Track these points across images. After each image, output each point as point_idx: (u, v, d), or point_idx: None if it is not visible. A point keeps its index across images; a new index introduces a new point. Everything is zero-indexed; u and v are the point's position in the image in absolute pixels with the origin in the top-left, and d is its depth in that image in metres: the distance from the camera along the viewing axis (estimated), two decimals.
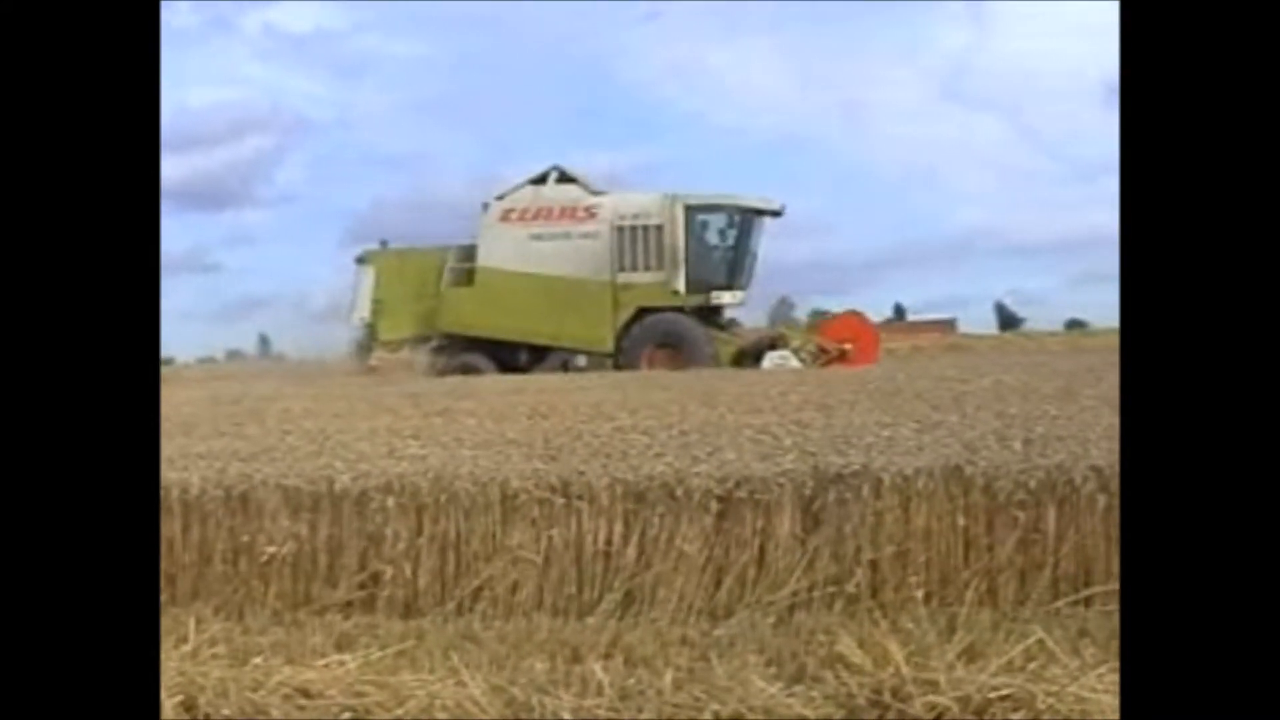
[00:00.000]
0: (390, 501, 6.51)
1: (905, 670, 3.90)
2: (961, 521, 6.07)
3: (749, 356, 25.87)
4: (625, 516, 6.29)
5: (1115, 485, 6.02)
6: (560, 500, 6.35)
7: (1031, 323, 55.87)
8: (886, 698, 3.84)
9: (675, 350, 25.39)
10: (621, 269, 26.34)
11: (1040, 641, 4.52)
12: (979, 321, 55.51)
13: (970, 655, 4.47)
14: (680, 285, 26.07)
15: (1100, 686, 3.81)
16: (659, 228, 26.32)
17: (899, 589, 5.97)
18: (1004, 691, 3.77)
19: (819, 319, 27.29)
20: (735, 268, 26.83)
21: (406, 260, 28.16)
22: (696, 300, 26.30)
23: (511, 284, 26.45)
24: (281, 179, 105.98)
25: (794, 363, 24.59)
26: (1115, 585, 5.92)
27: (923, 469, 6.17)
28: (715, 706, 3.98)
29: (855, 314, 27.50)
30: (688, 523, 6.19)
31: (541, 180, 27.29)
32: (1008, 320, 60.79)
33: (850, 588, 5.98)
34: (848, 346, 25.70)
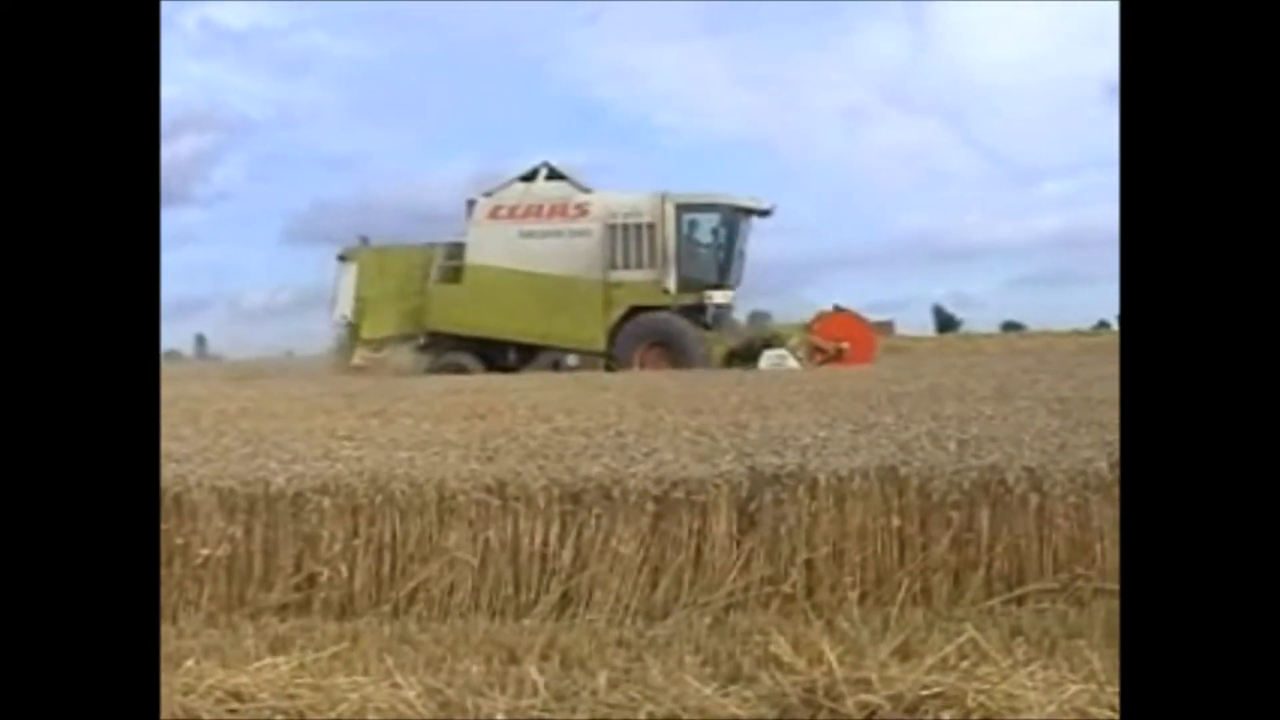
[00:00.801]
0: (326, 503, 6.45)
1: (838, 669, 3.93)
2: (896, 522, 6.11)
3: (739, 356, 25.88)
4: (562, 518, 6.27)
5: (1047, 485, 6.11)
6: (496, 501, 6.33)
7: (969, 325, 56.33)
8: (819, 697, 3.86)
9: (668, 349, 25.40)
10: (613, 267, 26.32)
11: (973, 640, 4.57)
12: (917, 323, 55.82)
13: (903, 654, 4.51)
14: (671, 284, 26.03)
15: (1030, 684, 3.86)
16: (651, 226, 26.31)
17: (834, 589, 6.00)
18: (935, 689, 3.80)
19: (814, 319, 27.15)
20: (725, 267, 26.83)
21: (390, 257, 27.93)
22: (689, 299, 26.28)
23: (501, 282, 26.28)
24: (219, 178, 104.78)
25: (791, 362, 24.59)
26: (1048, 584, 6.01)
27: (858, 469, 6.21)
28: (650, 707, 3.98)
29: (849, 312, 27.49)
30: (624, 524, 6.19)
31: (531, 177, 27.18)
32: (945, 322, 61.17)
33: (786, 588, 6.00)
34: (845, 345, 25.74)
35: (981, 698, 3.75)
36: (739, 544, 6.14)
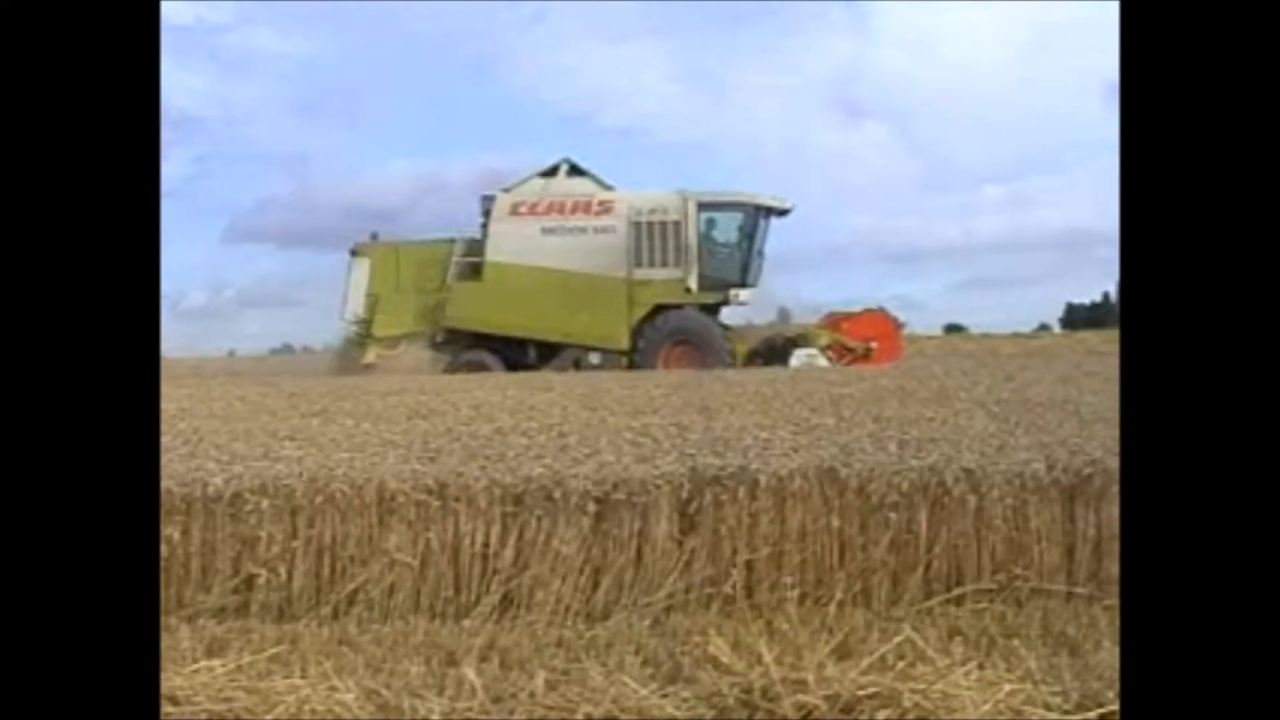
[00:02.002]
0: (264, 504, 6.39)
1: (774, 670, 3.93)
2: (836, 522, 6.14)
3: (761, 355, 25.80)
4: (503, 519, 6.25)
5: (985, 486, 6.16)
6: (437, 502, 6.30)
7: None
8: (756, 698, 3.87)
9: (692, 348, 25.11)
10: (638, 265, 26.01)
11: (910, 640, 4.60)
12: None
13: (841, 654, 4.53)
14: (693, 282, 25.93)
15: (966, 683, 3.88)
16: (676, 224, 26.02)
17: (774, 589, 6.03)
18: (872, 690, 3.82)
19: (840, 317, 27.08)
20: (746, 266, 26.67)
21: (404, 253, 27.25)
22: (714, 298, 26.17)
23: (523, 279, 25.82)
24: (162, 174, 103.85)
25: (821, 361, 24.49)
26: (986, 584, 6.06)
27: (798, 471, 6.23)
28: (588, 708, 3.98)
29: (878, 311, 27.41)
30: (565, 525, 6.18)
31: (551, 173, 26.70)
32: None
33: (726, 588, 6.02)
34: (873, 344, 25.69)
35: (917, 697, 3.77)
36: (680, 545, 6.15)
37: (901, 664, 4.11)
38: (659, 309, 25.81)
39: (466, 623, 5.91)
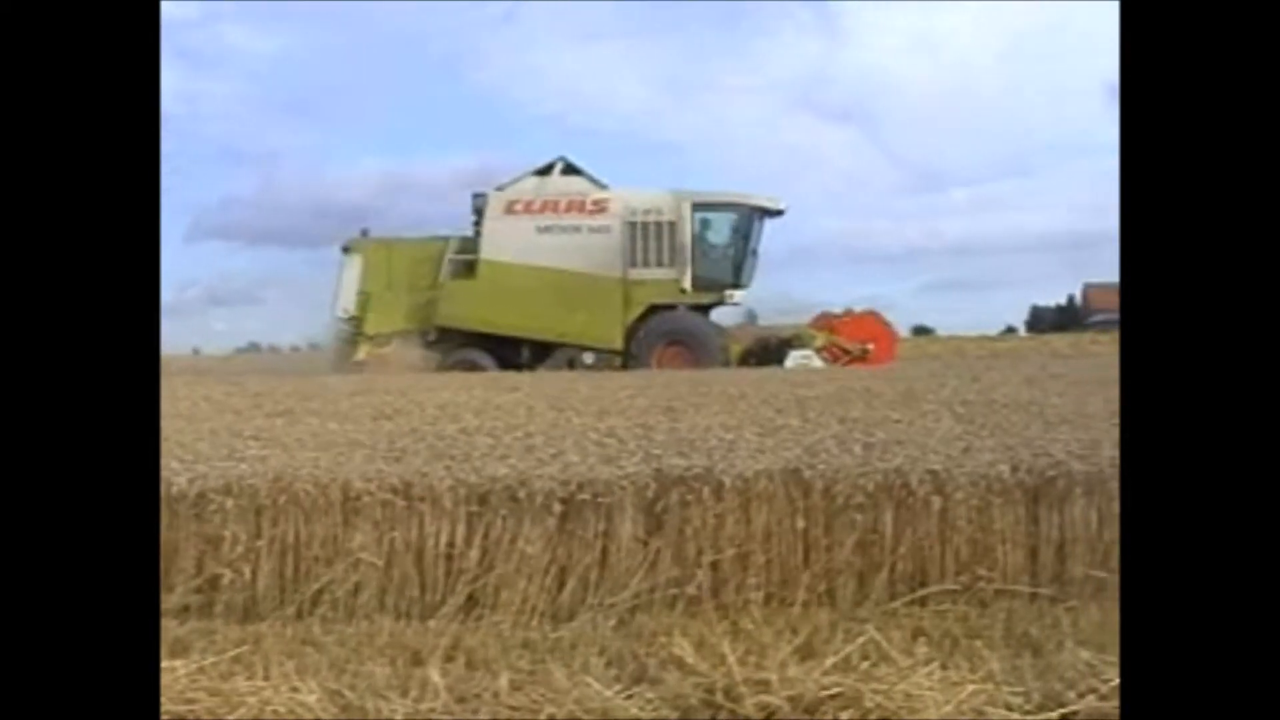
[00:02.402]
0: (229, 503, 6.37)
1: (737, 671, 3.94)
2: (801, 523, 6.15)
3: (754, 356, 25.78)
4: (468, 519, 6.24)
5: (950, 488, 6.18)
6: (402, 502, 6.28)
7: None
8: (719, 698, 3.88)
9: (686, 348, 25.10)
10: (633, 265, 25.94)
11: (874, 641, 4.61)
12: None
13: (805, 655, 4.54)
14: (687, 283, 25.89)
15: (928, 684, 3.90)
16: (672, 224, 25.96)
17: (739, 590, 6.03)
18: (835, 690, 3.84)
19: (836, 319, 27.11)
20: (740, 266, 26.66)
21: (397, 251, 27.09)
22: (709, 298, 26.14)
23: (518, 277, 25.75)
24: None
25: (817, 362, 24.50)
26: (950, 585, 6.08)
27: (763, 472, 6.24)
28: (551, 709, 3.98)
29: (873, 314, 27.46)
30: (530, 525, 6.17)
31: (546, 171, 26.59)
32: None
33: (691, 589, 6.02)
34: (869, 346, 25.73)
35: (879, 698, 3.79)
36: (645, 545, 6.15)
37: (865, 664, 4.13)
38: (653, 309, 25.80)
39: (431, 623, 5.89)
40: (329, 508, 6.36)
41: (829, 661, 4.10)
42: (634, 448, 7.26)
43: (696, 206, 26.24)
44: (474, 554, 6.19)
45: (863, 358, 25.15)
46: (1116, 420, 8.41)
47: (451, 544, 6.22)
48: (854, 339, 25.80)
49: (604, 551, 6.17)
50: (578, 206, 26.22)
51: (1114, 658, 4.43)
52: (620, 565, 6.12)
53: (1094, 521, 6.22)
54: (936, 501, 6.17)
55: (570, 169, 26.65)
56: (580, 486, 6.24)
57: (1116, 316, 78.55)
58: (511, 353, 25.42)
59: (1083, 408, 9.64)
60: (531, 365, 24.86)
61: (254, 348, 37.18)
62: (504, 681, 4.27)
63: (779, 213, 27.19)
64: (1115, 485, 6.23)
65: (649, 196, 26.54)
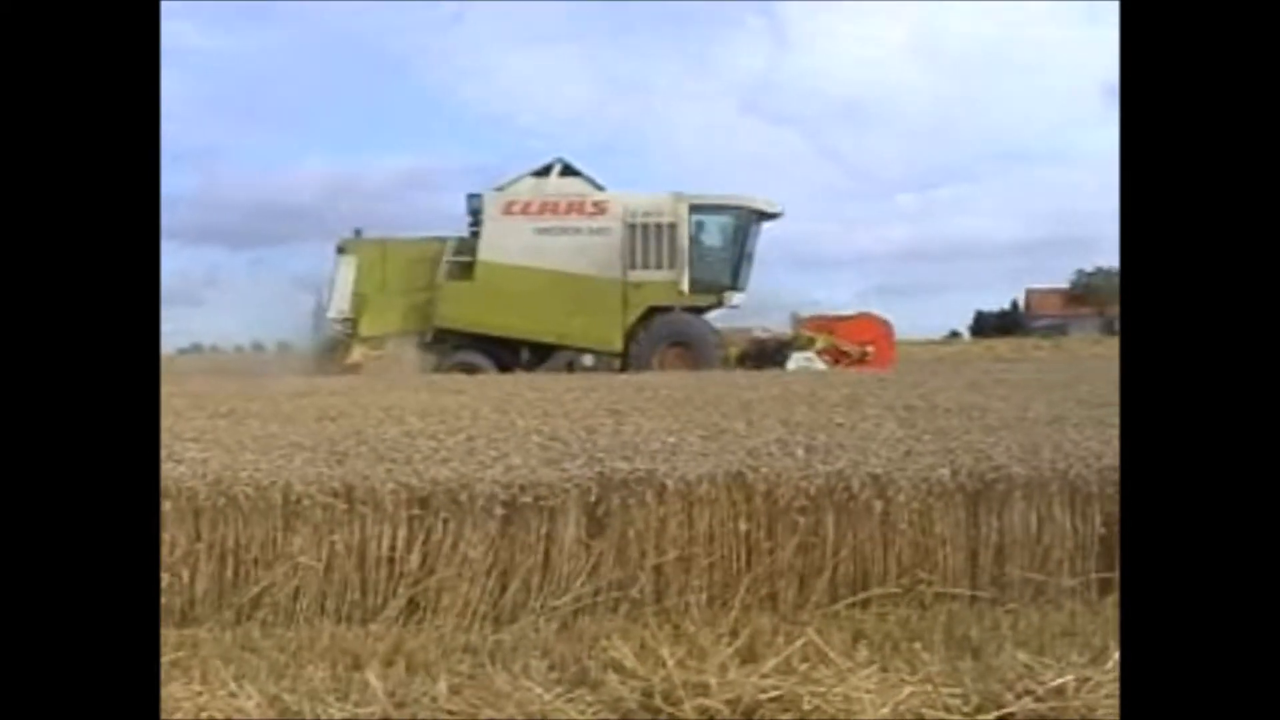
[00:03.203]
0: (167, 506, 6.29)
1: (675, 674, 3.94)
2: (743, 527, 6.16)
3: (751, 358, 25.74)
4: (409, 522, 6.21)
5: (891, 491, 6.21)
6: (343, 505, 6.25)
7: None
8: (658, 701, 3.87)
9: (687, 350, 25.06)
10: (633, 267, 25.86)
11: (814, 643, 4.61)
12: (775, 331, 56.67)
13: (746, 658, 4.53)
14: (685, 285, 25.81)
15: (866, 686, 3.91)
16: (672, 226, 25.92)
17: (681, 593, 6.04)
18: (773, 693, 3.83)
19: (835, 321, 27.12)
20: (737, 269, 26.62)
21: (392, 251, 26.81)
22: (708, 300, 26.08)
23: (516, 279, 25.60)
24: None
25: (819, 364, 24.50)
26: (891, 588, 6.11)
27: (706, 475, 6.24)
28: (490, 712, 3.96)
29: (872, 316, 27.47)
30: (472, 528, 6.16)
31: (544, 172, 26.46)
32: None
33: (634, 592, 6.03)
34: (869, 348, 25.75)
35: (818, 700, 3.79)
36: (588, 548, 6.15)
37: (804, 667, 4.12)
38: (653, 311, 25.75)
39: (372, 627, 5.86)
40: (269, 511, 6.31)
41: (769, 664, 4.10)
42: (577, 450, 7.25)
43: (695, 209, 26.31)
44: (415, 557, 6.16)
45: (862, 360, 25.28)
46: (1055, 424, 8.51)
47: (393, 547, 6.19)
48: (854, 341, 25.92)
49: (546, 554, 6.17)
50: (577, 208, 26.20)
51: (1052, 660, 4.45)
52: (562, 568, 6.12)
53: (1033, 525, 6.28)
54: (878, 505, 6.20)
55: (568, 170, 26.65)
56: (523, 489, 6.22)
57: (1058, 321, 79.32)
58: (510, 355, 25.35)
59: (1024, 412, 9.72)
60: (530, 367, 24.80)
61: (197, 349, 36.86)
62: (443, 685, 4.23)
63: (776, 215, 27.29)
64: (1054, 488, 6.30)
65: (649, 198, 26.56)
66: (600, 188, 26.62)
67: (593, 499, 6.21)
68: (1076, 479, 6.38)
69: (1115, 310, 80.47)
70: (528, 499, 6.18)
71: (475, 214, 26.70)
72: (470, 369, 23.83)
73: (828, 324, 26.82)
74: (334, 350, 25.98)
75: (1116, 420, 8.48)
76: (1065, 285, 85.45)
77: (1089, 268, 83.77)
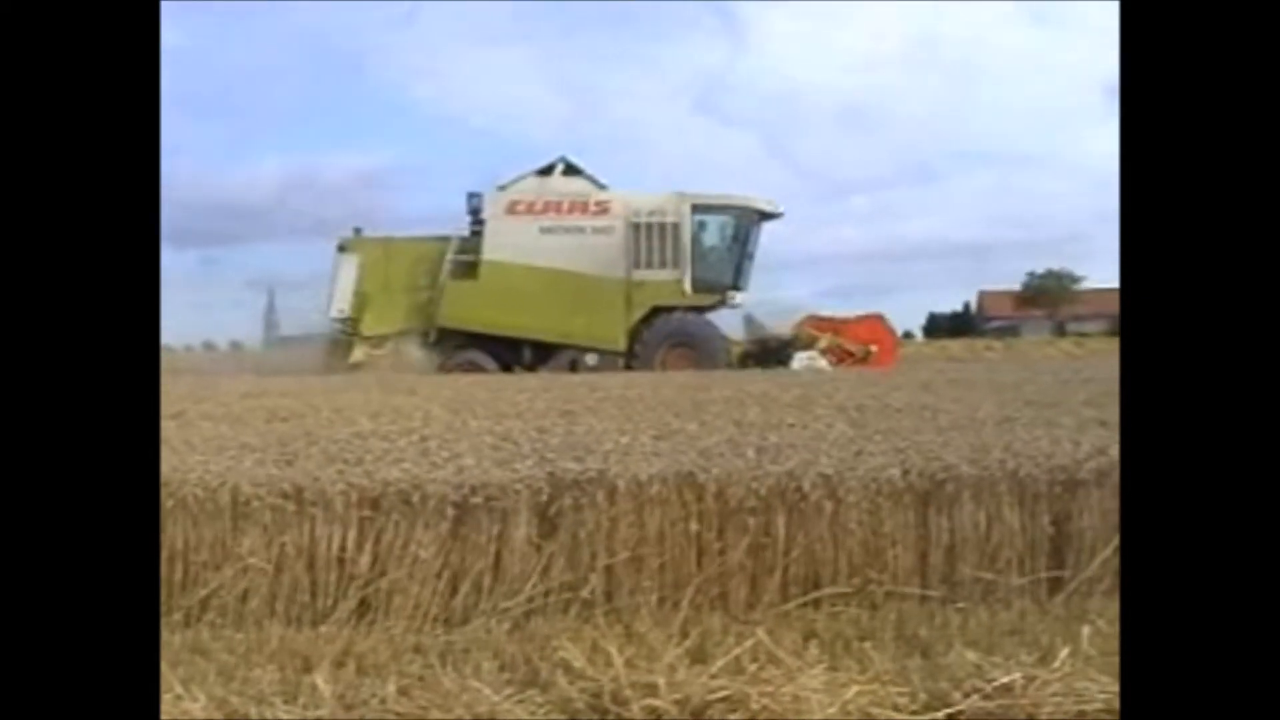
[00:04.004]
0: None
1: (624, 674, 3.95)
2: (694, 527, 6.17)
3: (754, 358, 25.75)
4: (360, 523, 6.18)
5: (841, 491, 6.23)
6: (293, 507, 6.21)
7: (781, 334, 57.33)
8: (606, 702, 3.88)
9: (690, 350, 25.10)
10: (637, 266, 25.95)
11: (765, 643, 4.63)
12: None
13: (696, 658, 4.55)
14: (688, 285, 25.75)
15: (815, 685, 3.93)
16: (675, 226, 25.99)
17: (633, 594, 6.04)
18: (722, 693, 3.85)
19: (840, 321, 27.20)
20: (739, 269, 26.63)
21: (395, 250, 26.80)
22: (711, 300, 26.07)
23: (520, 278, 25.65)
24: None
25: (822, 364, 24.55)
26: (842, 588, 6.14)
27: (657, 475, 6.24)
28: (438, 714, 3.96)
29: (877, 317, 27.59)
30: (423, 529, 6.13)
31: (547, 171, 26.48)
32: (757, 331, 62.07)
33: (585, 593, 6.02)
34: (873, 348, 25.83)
35: (766, 700, 3.81)
36: (539, 550, 6.14)
37: (754, 667, 4.14)
38: (657, 310, 25.69)
39: (322, 629, 5.84)
40: (218, 512, 6.26)
41: (718, 664, 4.12)
42: (529, 451, 7.24)
43: (697, 208, 26.38)
44: (366, 559, 6.13)
45: (865, 359, 25.43)
46: (1005, 424, 8.57)
47: (343, 549, 6.16)
48: (858, 341, 26.07)
49: (497, 556, 6.15)
50: (580, 207, 26.32)
51: (1000, 658, 4.49)
52: (514, 569, 6.10)
53: (982, 524, 6.32)
54: (829, 505, 6.21)
55: (571, 169, 26.70)
56: (474, 490, 6.20)
57: (1010, 322, 79.82)
58: (513, 354, 25.37)
59: (975, 412, 9.78)
60: (533, 366, 24.81)
61: None
62: (392, 687, 4.23)
63: (777, 215, 27.38)
64: (1002, 488, 6.34)
65: (652, 198, 26.69)
66: (602, 187, 26.71)
67: (544, 500, 6.20)
68: (1026, 478, 6.42)
69: (1065, 312, 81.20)
70: (479, 500, 6.16)
71: (475, 213, 26.79)
72: (473, 368, 23.82)
73: (833, 324, 27.04)
74: (334, 349, 25.90)
75: (1065, 421, 8.59)
76: (1017, 287, 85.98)
77: (1040, 270, 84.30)
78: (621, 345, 25.69)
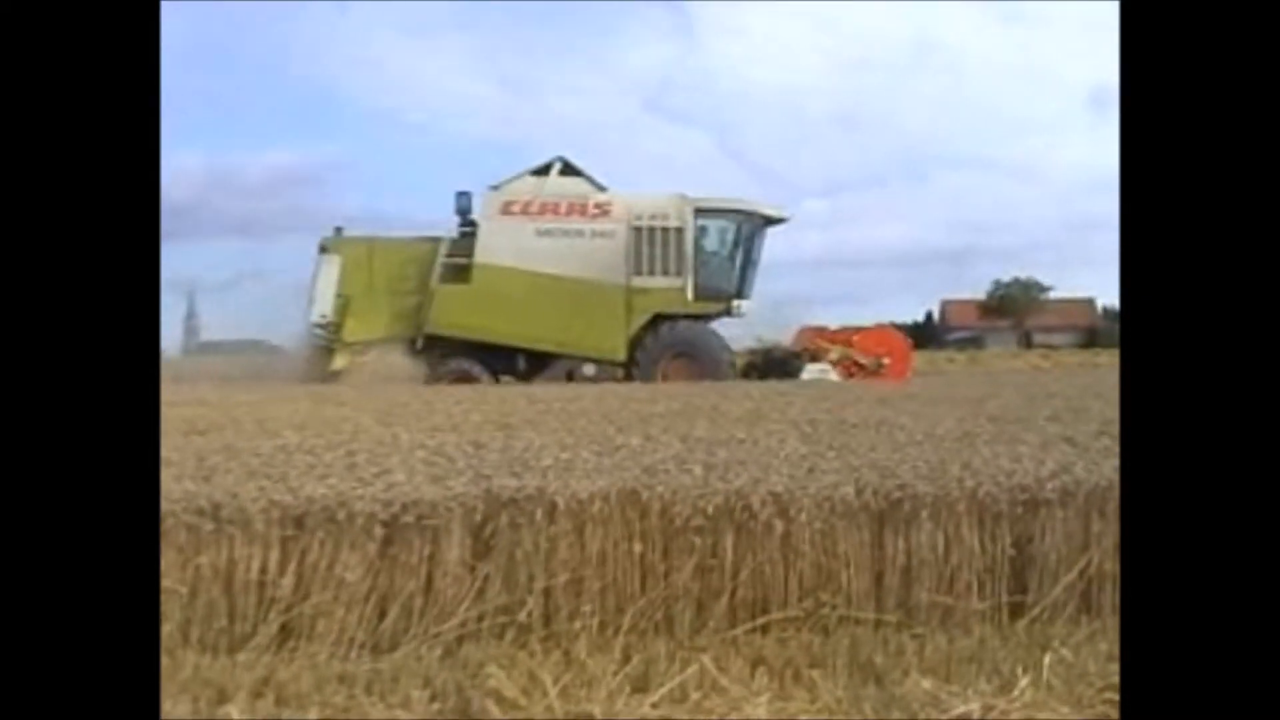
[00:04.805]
0: None
1: (557, 704, 3.95)
2: (638, 548, 6.16)
3: (758, 369, 25.65)
4: (282, 543, 6.11)
5: (793, 510, 6.25)
6: (210, 525, 6.13)
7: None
8: None
9: (693, 360, 24.92)
10: (638, 272, 25.79)
11: (710, 670, 4.64)
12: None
13: (638, 685, 4.56)
14: (690, 292, 25.65)
15: (760, 715, 3.95)
16: (679, 230, 25.85)
17: (573, 618, 6.02)
18: None
19: (853, 333, 27.21)
20: (744, 276, 26.53)
21: (379, 250, 26.38)
22: (716, 308, 25.95)
23: (516, 283, 25.41)
24: None
25: (834, 376, 24.51)
26: (792, 612, 6.15)
27: (599, 493, 6.23)
28: None
29: (889, 328, 27.64)
30: (350, 549, 6.08)
31: (544, 171, 26.18)
32: None
33: (522, 617, 5.99)
34: (885, 360, 25.84)
35: None
36: (473, 571, 6.10)
37: (697, 695, 4.16)
38: (658, 319, 25.70)
39: (240, 656, 5.77)
40: None
41: (660, 693, 4.13)
42: (464, 466, 7.21)
43: (700, 212, 26.25)
44: (288, 581, 6.07)
45: (878, 371, 25.50)
46: (966, 441, 8.63)
47: (264, 570, 6.09)
48: (870, 353, 26.13)
49: (429, 578, 6.11)
50: (579, 209, 26.09)
51: (958, 687, 4.53)
52: (446, 592, 6.07)
53: (941, 545, 6.35)
54: (779, 525, 6.22)
55: (569, 169, 26.39)
56: (405, 508, 6.16)
57: (974, 333, 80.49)
58: (506, 363, 25.11)
59: (933, 428, 9.83)
60: (528, 376, 24.60)
61: None
62: (313, 717, 4.21)
63: (782, 220, 27.38)
64: (961, 507, 6.38)
65: (653, 201, 26.52)
66: (601, 188, 26.45)
67: (479, 518, 6.16)
68: (986, 498, 6.46)
69: (1032, 322, 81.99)
70: (410, 518, 6.12)
71: (464, 213, 26.48)
72: (465, 377, 23.61)
73: (844, 335, 27.15)
74: (314, 356, 25.56)
75: (1028, 437, 8.65)
76: (982, 296, 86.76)
77: (1006, 278, 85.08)
78: (622, 355, 25.57)
